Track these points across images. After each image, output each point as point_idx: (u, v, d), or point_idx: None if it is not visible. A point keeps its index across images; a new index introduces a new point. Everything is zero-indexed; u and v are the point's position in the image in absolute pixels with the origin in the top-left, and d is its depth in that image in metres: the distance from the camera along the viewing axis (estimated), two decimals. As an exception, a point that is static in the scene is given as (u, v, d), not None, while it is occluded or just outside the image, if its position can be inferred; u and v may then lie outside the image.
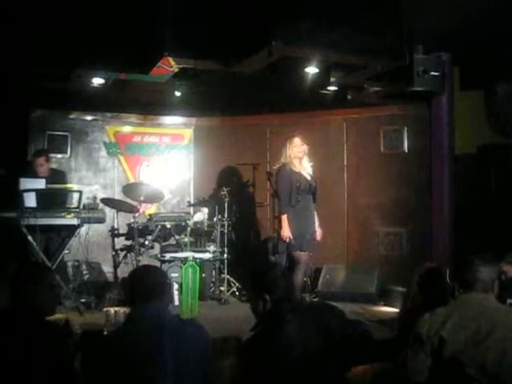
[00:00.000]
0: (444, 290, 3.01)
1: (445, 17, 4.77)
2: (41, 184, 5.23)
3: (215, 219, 6.13)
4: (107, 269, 6.14)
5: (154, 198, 6.26)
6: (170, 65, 5.20)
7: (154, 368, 2.18)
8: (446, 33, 5.07)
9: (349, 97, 6.09)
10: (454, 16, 4.77)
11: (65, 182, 5.76)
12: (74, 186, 5.70)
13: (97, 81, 5.58)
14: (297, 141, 5.28)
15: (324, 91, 5.99)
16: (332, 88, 5.91)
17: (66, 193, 5.34)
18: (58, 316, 3.57)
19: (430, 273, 3.20)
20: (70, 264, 5.49)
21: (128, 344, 2.24)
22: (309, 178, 5.30)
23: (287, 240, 5.12)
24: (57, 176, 5.80)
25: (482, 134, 5.84)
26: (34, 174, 5.56)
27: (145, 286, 2.44)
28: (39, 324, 2.42)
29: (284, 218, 5.14)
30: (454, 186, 5.78)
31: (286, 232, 5.12)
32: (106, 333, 4.04)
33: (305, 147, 5.30)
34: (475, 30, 4.95)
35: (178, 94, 6.41)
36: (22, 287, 2.49)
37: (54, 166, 5.95)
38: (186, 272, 5.01)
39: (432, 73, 5.20)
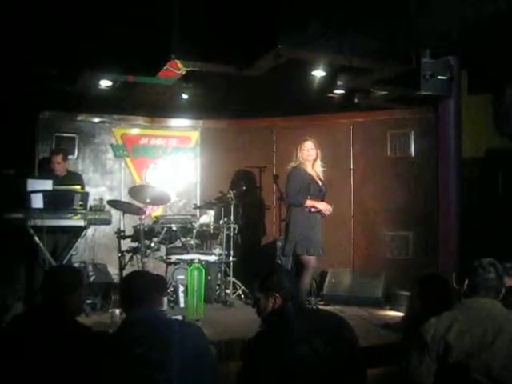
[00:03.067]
0: (447, 295, 3.00)
1: (453, 20, 4.75)
2: (48, 185, 5.26)
3: (221, 222, 6.13)
4: (113, 270, 6.15)
5: (161, 200, 6.27)
6: (177, 67, 5.21)
7: (158, 370, 2.18)
8: (454, 37, 5.05)
9: (356, 100, 6.08)
10: (462, 20, 4.75)
11: (81, 185, 5.81)
12: (78, 188, 5.72)
13: (104, 83, 5.61)
14: (307, 145, 5.27)
15: (331, 94, 5.99)
16: (339, 91, 5.91)
17: (73, 194, 5.35)
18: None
19: (431, 279, 3.20)
20: (76, 265, 5.49)
21: (127, 347, 2.23)
22: (319, 182, 5.31)
23: (331, 209, 5.19)
24: (74, 178, 5.89)
25: (490, 138, 5.80)
26: (51, 173, 5.63)
27: (136, 290, 2.47)
28: (69, 323, 2.49)
29: (309, 202, 5.15)
30: (462, 189, 5.74)
31: (324, 204, 5.20)
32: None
33: (315, 151, 5.30)
34: (484, 34, 4.93)
35: (185, 96, 6.43)
36: (52, 288, 2.56)
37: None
38: (191, 274, 5.01)
39: (439, 77, 5.17)
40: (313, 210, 5.18)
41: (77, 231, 5.30)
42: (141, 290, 2.47)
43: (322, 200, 5.34)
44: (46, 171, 5.85)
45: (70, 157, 6.55)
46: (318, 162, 5.33)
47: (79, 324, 2.56)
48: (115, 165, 7.09)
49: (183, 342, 2.27)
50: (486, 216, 5.59)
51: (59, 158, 5.77)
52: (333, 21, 4.26)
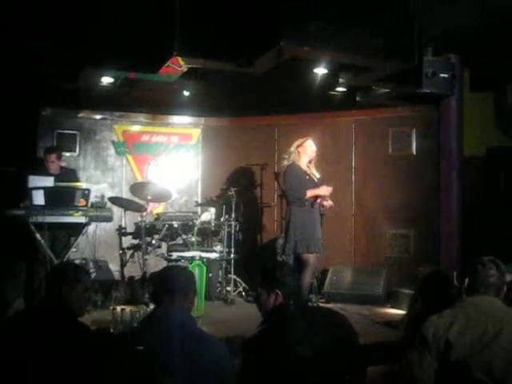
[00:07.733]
0: (449, 292, 2.99)
1: (455, 18, 4.75)
2: (49, 182, 5.26)
3: (222, 219, 6.14)
4: (114, 267, 6.16)
5: (162, 197, 6.27)
6: (179, 64, 5.21)
7: (164, 376, 2.14)
8: (456, 35, 5.05)
9: (357, 98, 6.08)
10: (463, 18, 4.74)
11: (76, 180, 5.79)
12: (82, 185, 5.71)
13: (106, 80, 5.61)
14: (312, 152, 5.31)
15: (333, 92, 5.98)
16: (341, 89, 5.90)
17: (74, 191, 5.35)
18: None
19: (434, 275, 3.19)
20: (77, 262, 5.50)
21: (130, 344, 2.21)
22: (315, 179, 5.34)
23: (331, 189, 5.20)
24: (67, 174, 5.84)
25: (492, 136, 5.81)
26: (46, 171, 5.61)
27: (171, 286, 2.39)
28: (68, 322, 2.46)
29: (309, 193, 5.16)
30: (463, 188, 5.74)
31: (323, 188, 5.21)
32: (112, 330, 4.06)
33: (315, 154, 5.37)
34: (486, 32, 4.92)
35: (186, 93, 6.42)
36: (57, 287, 2.54)
37: (62, 164, 5.97)
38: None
39: (441, 75, 5.18)
40: (318, 201, 5.19)
41: (78, 228, 5.30)
42: (176, 286, 2.39)
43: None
44: (40, 170, 5.78)
45: (71, 154, 6.57)
46: (312, 164, 5.40)
47: (78, 322, 2.53)
48: (116, 162, 7.09)
49: (195, 353, 2.19)
50: (487, 214, 5.59)
51: (53, 156, 5.67)
52: (335, 18, 4.25)
